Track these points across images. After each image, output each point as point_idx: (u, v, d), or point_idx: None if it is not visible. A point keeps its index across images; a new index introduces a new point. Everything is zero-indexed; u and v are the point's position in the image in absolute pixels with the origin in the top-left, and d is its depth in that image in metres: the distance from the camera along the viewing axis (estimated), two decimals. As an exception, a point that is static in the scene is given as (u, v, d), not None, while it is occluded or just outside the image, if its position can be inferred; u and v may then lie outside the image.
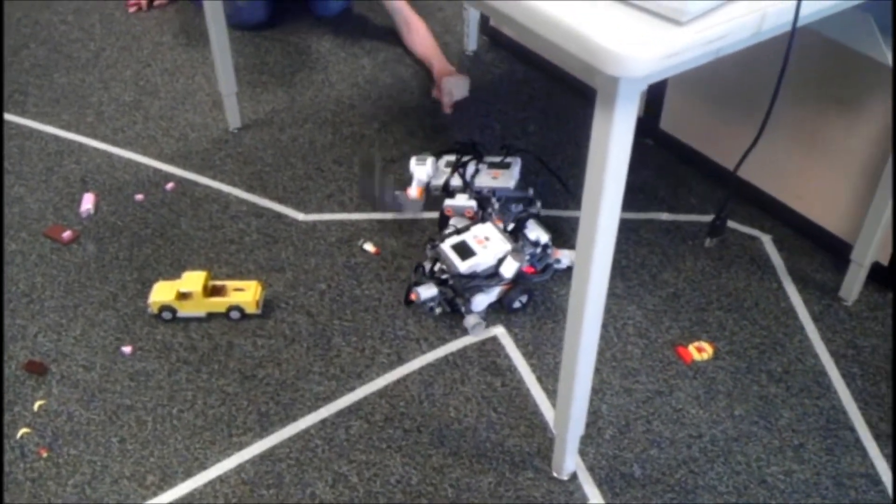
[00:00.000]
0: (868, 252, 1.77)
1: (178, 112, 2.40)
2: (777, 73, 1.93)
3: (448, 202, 1.92)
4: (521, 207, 1.93)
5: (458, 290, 1.77)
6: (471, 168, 2.00)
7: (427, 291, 1.78)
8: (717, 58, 1.12)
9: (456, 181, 1.99)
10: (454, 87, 2.42)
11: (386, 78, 2.55)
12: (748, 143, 2.03)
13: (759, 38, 1.12)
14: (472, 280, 1.75)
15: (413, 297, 1.78)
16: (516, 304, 1.82)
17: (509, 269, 1.75)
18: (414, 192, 1.98)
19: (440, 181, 2.00)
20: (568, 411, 1.40)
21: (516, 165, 2.01)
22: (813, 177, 1.93)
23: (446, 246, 1.78)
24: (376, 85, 2.51)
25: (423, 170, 2.00)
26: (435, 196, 2.00)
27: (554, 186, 2.14)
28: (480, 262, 1.75)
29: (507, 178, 1.97)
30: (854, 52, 1.61)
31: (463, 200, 1.92)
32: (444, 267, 1.78)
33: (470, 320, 1.77)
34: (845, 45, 1.56)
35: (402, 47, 2.67)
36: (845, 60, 1.75)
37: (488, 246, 1.77)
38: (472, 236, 1.80)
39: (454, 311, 1.81)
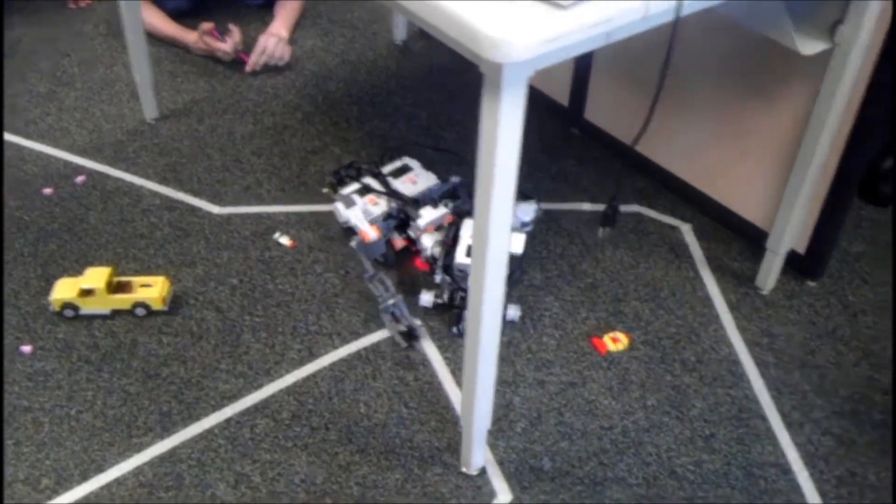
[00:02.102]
0: (782, 240, 1.76)
1: (93, 103, 2.33)
2: (698, 65, 1.92)
3: (421, 224, 1.83)
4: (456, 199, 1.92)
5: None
6: (375, 183, 1.94)
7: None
8: (610, 43, 1.10)
9: (382, 207, 1.89)
10: (272, 48, 2.42)
11: (311, 66, 2.50)
12: (671, 134, 2.02)
13: (649, 24, 1.10)
14: None
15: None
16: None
17: (518, 245, 1.78)
18: (372, 233, 1.83)
19: (378, 212, 1.88)
20: (473, 405, 1.38)
21: (416, 164, 1.99)
22: (731, 165, 1.92)
23: (463, 256, 1.75)
24: (300, 74, 2.46)
25: (356, 211, 1.87)
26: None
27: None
28: None
29: (426, 179, 1.94)
30: (770, 41, 1.59)
31: (430, 212, 1.85)
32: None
33: (513, 311, 1.76)
34: (760, 34, 1.55)
35: (329, 37, 2.63)
36: (763, 50, 1.74)
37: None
38: (468, 236, 1.79)
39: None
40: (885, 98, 1.59)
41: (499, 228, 1.14)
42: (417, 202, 1.87)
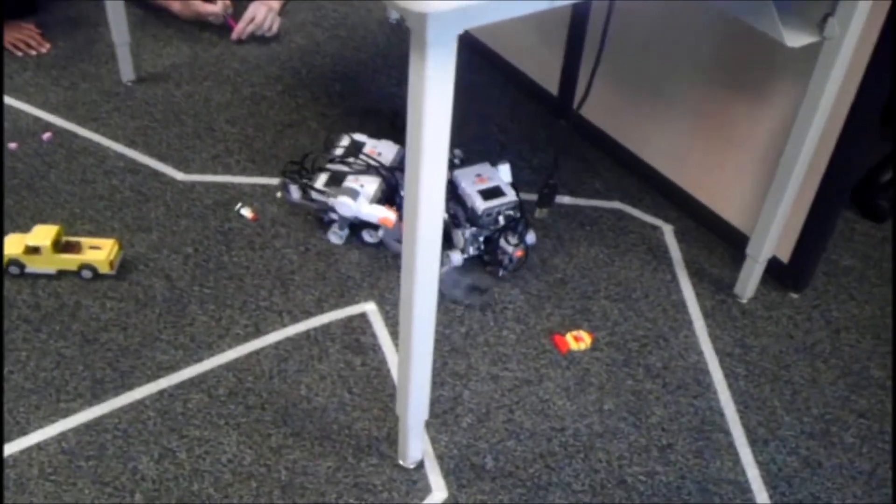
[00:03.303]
0: (763, 247, 1.66)
1: (72, 62, 2.27)
2: (685, 59, 1.83)
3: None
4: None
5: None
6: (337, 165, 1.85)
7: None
8: (554, 7, 1.01)
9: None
10: (261, 18, 2.35)
11: (299, 40, 2.42)
12: (657, 131, 1.93)
13: None
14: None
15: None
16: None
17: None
18: (392, 215, 1.73)
19: (374, 192, 1.77)
20: (407, 395, 1.30)
21: (364, 137, 1.90)
22: (717, 165, 1.82)
23: (482, 201, 1.72)
24: (287, 46, 2.39)
25: (363, 201, 1.74)
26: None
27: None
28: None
29: (387, 147, 1.86)
30: (758, 32, 1.50)
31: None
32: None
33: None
34: (746, 24, 1.46)
35: (321, 11, 2.55)
36: (751, 45, 1.65)
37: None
38: (473, 183, 1.75)
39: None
40: (878, 99, 1.49)
41: (431, 199, 1.06)
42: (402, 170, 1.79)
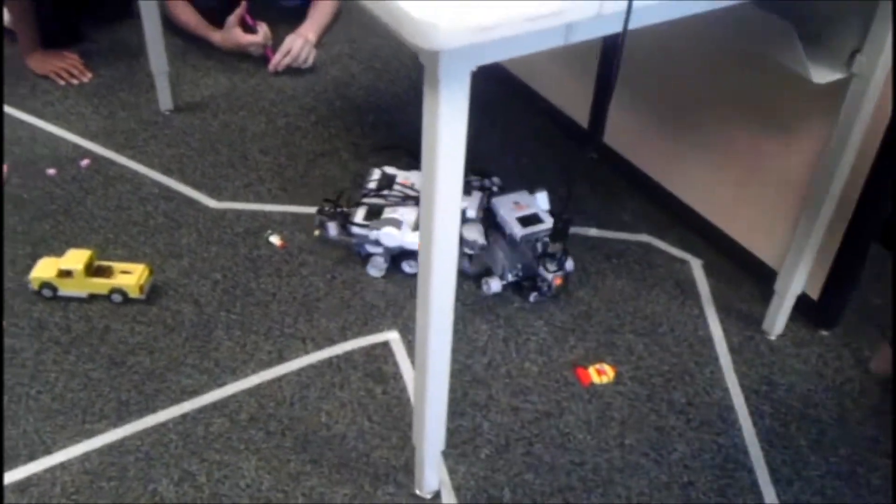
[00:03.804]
0: (791, 283, 1.64)
1: (112, 90, 2.33)
2: (713, 95, 1.83)
3: (470, 214, 1.80)
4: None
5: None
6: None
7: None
8: (569, 44, 1.02)
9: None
10: (297, 50, 2.40)
11: (334, 72, 2.46)
12: (687, 165, 1.92)
13: (608, 27, 1.00)
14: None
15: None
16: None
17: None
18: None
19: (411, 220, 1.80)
20: (424, 424, 1.30)
21: (393, 169, 1.95)
22: (747, 200, 1.81)
23: (520, 228, 1.74)
24: (322, 78, 2.43)
25: (406, 230, 1.77)
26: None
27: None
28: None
29: (420, 178, 1.88)
30: (787, 72, 1.50)
31: (468, 201, 1.83)
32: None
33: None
34: (773, 60, 1.45)
35: (356, 43, 2.60)
36: (777, 77, 1.64)
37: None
38: (510, 209, 1.79)
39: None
40: (908, 137, 1.47)
41: (445, 231, 1.07)
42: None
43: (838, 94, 1.45)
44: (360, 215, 1.82)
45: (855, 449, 1.53)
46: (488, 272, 1.79)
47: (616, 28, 1.01)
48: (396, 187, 1.86)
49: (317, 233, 1.86)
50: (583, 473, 1.47)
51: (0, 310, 1.68)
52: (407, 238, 1.76)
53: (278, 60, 2.40)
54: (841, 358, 1.70)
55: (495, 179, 1.94)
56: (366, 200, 1.85)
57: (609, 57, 2.03)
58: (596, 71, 2.07)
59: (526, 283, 1.78)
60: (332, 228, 1.83)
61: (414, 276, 1.80)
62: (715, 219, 1.90)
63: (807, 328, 1.75)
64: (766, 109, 1.70)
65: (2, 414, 1.50)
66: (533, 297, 1.76)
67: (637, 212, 2.02)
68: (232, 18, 2.41)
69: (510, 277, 1.77)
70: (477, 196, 1.86)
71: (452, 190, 1.04)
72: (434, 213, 1.05)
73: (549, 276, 1.73)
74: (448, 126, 0.99)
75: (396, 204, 1.83)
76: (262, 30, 2.44)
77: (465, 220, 1.80)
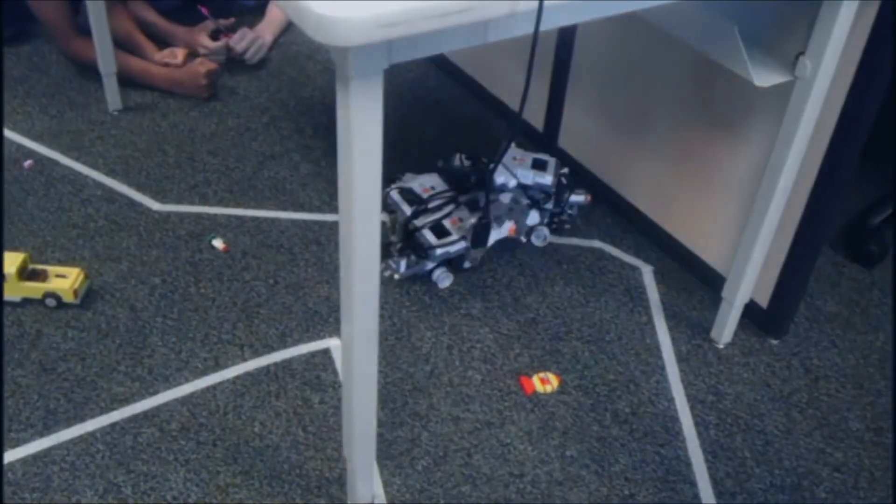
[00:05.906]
0: (738, 290, 1.61)
1: (62, 90, 2.28)
2: (662, 93, 1.80)
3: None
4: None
5: None
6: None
7: None
8: (486, 44, 0.99)
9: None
10: (245, 44, 2.38)
11: (291, 72, 2.42)
12: (637, 168, 1.89)
13: (527, 26, 0.96)
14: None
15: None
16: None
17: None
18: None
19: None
20: (353, 435, 1.26)
21: (408, 175, 1.91)
22: (697, 206, 1.78)
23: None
24: (277, 78, 2.39)
25: (496, 225, 1.80)
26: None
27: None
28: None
29: (431, 180, 1.89)
30: (733, 72, 1.47)
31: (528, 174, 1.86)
32: None
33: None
34: (717, 62, 1.42)
35: (315, 44, 2.55)
36: (725, 80, 1.61)
37: None
38: None
39: None
40: (856, 139, 1.44)
41: (365, 232, 1.03)
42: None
43: (784, 99, 1.42)
44: (431, 238, 1.76)
45: (800, 461, 1.50)
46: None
47: (522, 25, 0.97)
48: (435, 196, 1.82)
49: (386, 273, 1.79)
50: (521, 486, 1.43)
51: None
52: (503, 231, 1.83)
53: (222, 44, 2.35)
54: (790, 367, 1.67)
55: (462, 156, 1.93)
56: (416, 223, 1.78)
57: (563, 60, 1.99)
58: (550, 75, 2.04)
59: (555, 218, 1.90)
60: (403, 265, 1.77)
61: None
62: (667, 225, 1.87)
63: (756, 336, 1.72)
64: (718, 114, 1.67)
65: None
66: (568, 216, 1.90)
67: (590, 218, 1.98)
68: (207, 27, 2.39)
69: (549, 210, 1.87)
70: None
71: (370, 189, 1.00)
72: (353, 215, 1.01)
73: (582, 197, 1.89)
74: (361, 123, 0.95)
75: (447, 214, 1.79)
76: (223, 42, 2.38)
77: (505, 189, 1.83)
